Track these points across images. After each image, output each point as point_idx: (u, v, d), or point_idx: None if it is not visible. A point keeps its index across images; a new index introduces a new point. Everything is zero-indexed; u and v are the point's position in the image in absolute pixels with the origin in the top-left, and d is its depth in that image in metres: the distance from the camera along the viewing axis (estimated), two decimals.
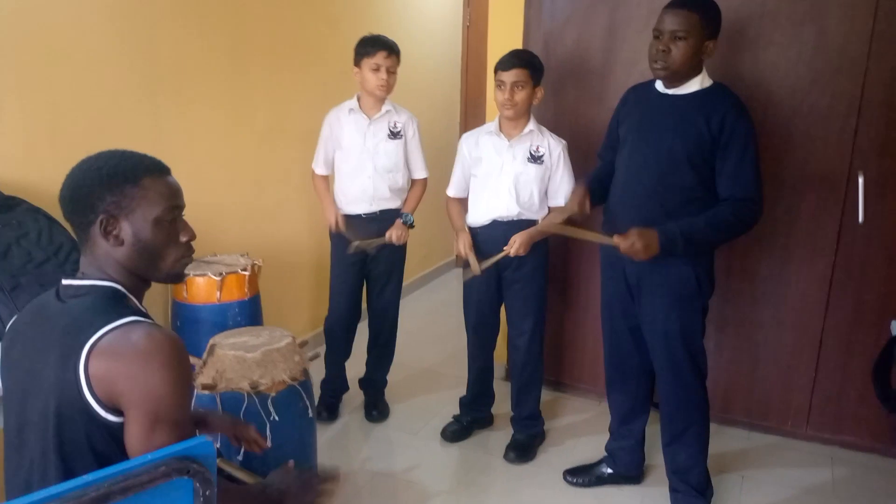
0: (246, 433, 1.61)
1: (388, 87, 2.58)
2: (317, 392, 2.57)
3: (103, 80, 2.31)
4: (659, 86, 2.07)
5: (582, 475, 2.43)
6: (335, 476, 1.45)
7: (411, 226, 2.73)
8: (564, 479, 2.44)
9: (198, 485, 0.95)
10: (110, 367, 1.04)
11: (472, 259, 2.41)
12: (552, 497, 2.37)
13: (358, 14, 3.58)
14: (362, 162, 2.64)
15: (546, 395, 2.76)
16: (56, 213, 1.39)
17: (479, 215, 2.48)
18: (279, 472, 1.37)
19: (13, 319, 1.24)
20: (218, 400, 1.88)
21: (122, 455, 1.06)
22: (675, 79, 1.99)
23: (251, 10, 2.89)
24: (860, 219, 2.39)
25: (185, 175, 1.27)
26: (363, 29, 2.64)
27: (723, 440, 2.68)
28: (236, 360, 1.93)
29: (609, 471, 2.42)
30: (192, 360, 1.87)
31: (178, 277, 1.24)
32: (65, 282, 1.17)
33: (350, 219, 2.69)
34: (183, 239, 1.21)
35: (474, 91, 4.77)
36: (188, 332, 2.41)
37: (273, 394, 1.92)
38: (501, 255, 2.37)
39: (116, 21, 2.33)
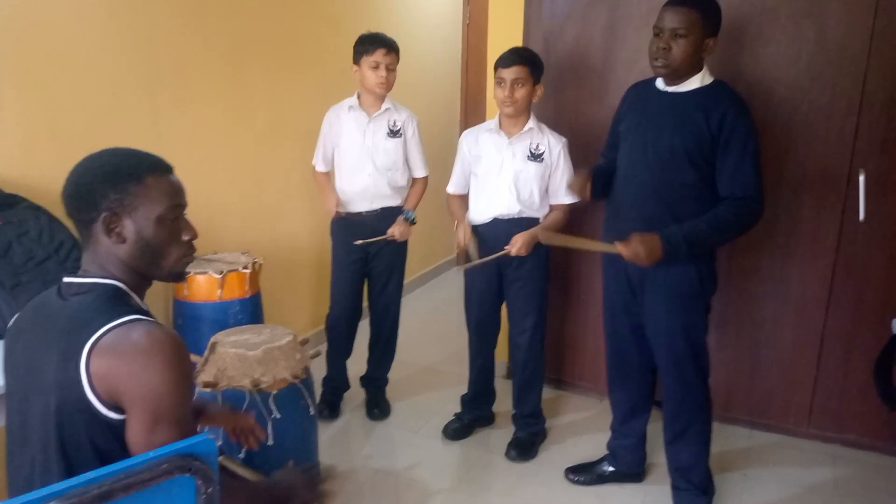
0: (245, 423, 1.61)
1: (388, 85, 2.58)
2: (318, 390, 2.57)
3: (103, 78, 2.31)
4: (659, 83, 2.07)
5: (583, 473, 2.43)
6: (335, 474, 1.46)
7: (413, 222, 2.73)
8: (566, 477, 2.44)
9: (199, 482, 0.95)
10: (111, 365, 1.04)
11: (473, 248, 2.41)
12: (553, 495, 2.37)
13: (358, 13, 3.58)
14: (362, 160, 2.64)
15: (547, 393, 2.76)
16: (57, 210, 1.39)
17: (480, 213, 2.48)
18: (284, 471, 1.39)
19: (15, 317, 1.24)
20: (219, 398, 1.88)
21: (124, 453, 1.06)
22: (675, 76, 1.99)
23: (251, 9, 2.89)
24: (861, 217, 2.38)
25: (186, 173, 1.26)
26: (363, 28, 2.64)
27: (724, 438, 2.68)
28: (238, 358, 1.93)
29: (610, 469, 2.42)
30: (194, 357, 1.88)
31: (179, 276, 1.24)
32: (66, 279, 1.17)
33: (351, 217, 2.69)
34: (185, 237, 1.21)
35: (474, 89, 4.77)
36: (189, 329, 2.41)
37: (274, 392, 1.92)
38: (502, 253, 2.37)
39: (116, 20, 2.33)
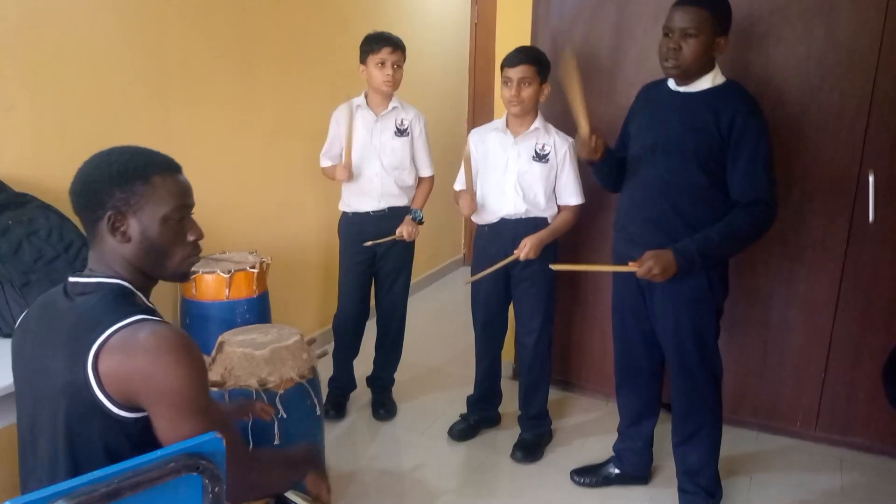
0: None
1: (395, 83, 2.58)
2: (324, 390, 2.57)
3: (112, 79, 2.32)
4: (671, 83, 2.05)
5: (589, 475, 2.42)
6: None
7: (420, 222, 2.73)
8: (571, 479, 2.43)
9: (206, 481, 0.95)
10: (121, 366, 1.04)
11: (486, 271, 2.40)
12: (559, 497, 2.36)
13: (366, 13, 3.58)
14: (370, 159, 2.64)
15: (553, 394, 2.75)
16: (66, 210, 1.40)
17: (487, 214, 2.47)
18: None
19: (22, 316, 1.24)
20: (226, 397, 1.89)
21: (134, 451, 1.06)
22: (686, 76, 1.97)
23: (259, 9, 2.90)
24: (870, 218, 2.36)
25: (194, 173, 1.27)
26: (371, 27, 2.64)
27: (731, 441, 2.66)
28: (245, 358, 1.93)
29: (616, 471, 2.41)
30: None
31: (184, 276, 1.24)
32: (72, 279, 1.16)
33: (358, 216, 2.70)
34: (190, 238, 1.20)
35: (482, 88, 4.76)
36: (197, 329, 2.42)
37: (281, 391, 1.92)
38: (511, 258, 2.36)
39: (126, 20, 2.34)
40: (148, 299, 1.21)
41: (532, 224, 2.41)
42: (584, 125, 2.00)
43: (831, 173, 2.46)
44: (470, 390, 2.77)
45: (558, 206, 2.46)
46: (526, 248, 2.33)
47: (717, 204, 1.97)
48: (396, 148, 2.67)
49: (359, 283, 2.77)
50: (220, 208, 2.79)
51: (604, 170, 2.15)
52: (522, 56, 2.30)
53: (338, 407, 2.85)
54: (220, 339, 2.03)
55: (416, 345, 3.29)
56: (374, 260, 2.75)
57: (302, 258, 3.36)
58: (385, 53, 2.53)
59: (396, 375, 2.94)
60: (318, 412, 2.06)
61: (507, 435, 2.69)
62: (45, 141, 2.13)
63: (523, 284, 2.48)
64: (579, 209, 2.46)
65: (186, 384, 1.05)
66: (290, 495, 1.47)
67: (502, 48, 2.74)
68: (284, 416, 1.91)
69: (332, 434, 2.68)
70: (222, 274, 2.41)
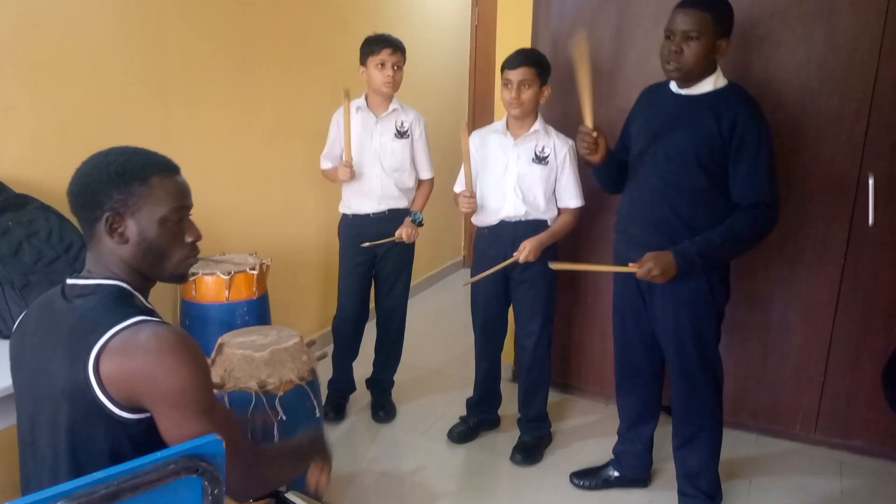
0: None
1: (395, 84, 2.58)
2: (324, 392, 2.57)
3: (113, 79, 2.32)
4: (673, 86, 2.05)
5: (589, 478, 2.42)
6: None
7: (420, 224, 2.73)
8: (571, 481, 2.43)
9: (206, 483, 0.95)
10: (122, 368, 1.03)
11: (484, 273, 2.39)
12: (558, 499, 2.36)
13: (366, 14, 3.58)
14: (370, 161, 2.64)
15: (553, 396, 2.75)
16: (66, 211, 1.39)
17: (486, 216, 2.47)
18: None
19: (20, 318, 1.24)
20: (226, 399, 1.88)
21: (136, 452, 1.05)
22: (688, 79, 1.97)
23: (259, 10, 2.90)
24: (870, 221, 2.37)
25: (194, 174, 1.26)
26: (371, 29, 2.64)
27: (731, 444, 2.65)
28: (244, 360, 1.93)
29: (616, 474, 2.41)
30: None
31: (181, 278, 1.23)
32: (70, 281, 1.16)
33: (358, 218, 2.70)
34: (188, 239, 1.20)
35: (482, 90, 4.77)
36: (196, 330, 2.42)
37: (281, 393, 1.92)
38: (511, 260, 2.36)
39: (126, 21, 2.34)
40: (146, 300, 1.20)
41: (532, 226, 2.40)
42: (589, 116, 1.99)
43: (831, 176, 2.46)
44: (469, 392, 2.77)
45: (558, 209, 2.46)
46: (525, 251, 2.33)
47: (717, 206, 1.97)
48: (396, 150, 2.67)
49: (359, 285, 2.76)
50: (219, 209, 2.79)
51: (604, 171, 2.15)
52: (523, 58, 2.30)
53: (337, 409, 2.85)
54: (219, 340, 2.03)
55: (415, 347, 3.29)
56: (374, 262, 2.75)
57: (302, 260, 3.36)
58: (385, 55, 2.53)
59: (396, 377, 2.94)
60: (318, 414, 2.06)
61: (507, 437, 2.69)
62: (45, 141, 2.13)
63: (523, 287, 2.48)
64: (579, 212, 2.46)
65: (190, 384, 1.05)
66: (290, 496, 1.47)
67: (503, 50, 2.74)
68: (284, 417, 1.90)
69: (332, 436, 2.68)
70: (222, 275, 2.40)
